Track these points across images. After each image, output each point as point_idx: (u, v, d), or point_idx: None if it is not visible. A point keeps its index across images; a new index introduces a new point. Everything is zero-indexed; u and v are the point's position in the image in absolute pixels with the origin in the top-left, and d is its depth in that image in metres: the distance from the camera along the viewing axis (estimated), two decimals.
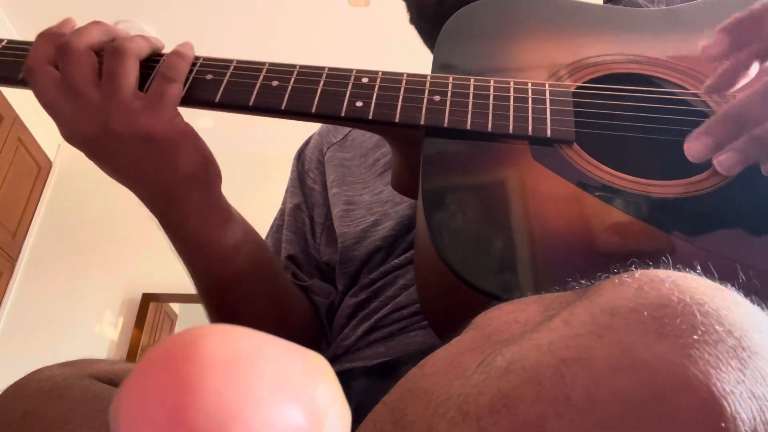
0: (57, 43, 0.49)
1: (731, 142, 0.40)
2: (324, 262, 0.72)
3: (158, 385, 0.17)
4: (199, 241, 0.56)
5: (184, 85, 0.51)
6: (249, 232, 0.61)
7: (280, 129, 3.04)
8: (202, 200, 0.54)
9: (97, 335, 2.95)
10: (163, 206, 0.54)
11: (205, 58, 0.53)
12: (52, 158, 3.25)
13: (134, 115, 0.48)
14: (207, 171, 0.54)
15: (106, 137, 0.49)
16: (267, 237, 0.78)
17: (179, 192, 0.53)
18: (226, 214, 0.57)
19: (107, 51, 0.49)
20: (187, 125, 0.51)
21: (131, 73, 0.49)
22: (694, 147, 0.42)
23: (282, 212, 0.78)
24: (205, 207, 0.55)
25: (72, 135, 0.50)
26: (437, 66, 0.53)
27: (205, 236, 0.56)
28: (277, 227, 0.78)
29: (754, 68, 0.43)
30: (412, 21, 0.72)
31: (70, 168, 3.20)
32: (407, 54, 0.73)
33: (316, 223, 0.75)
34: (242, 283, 0.60)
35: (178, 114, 0.51)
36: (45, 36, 0.51)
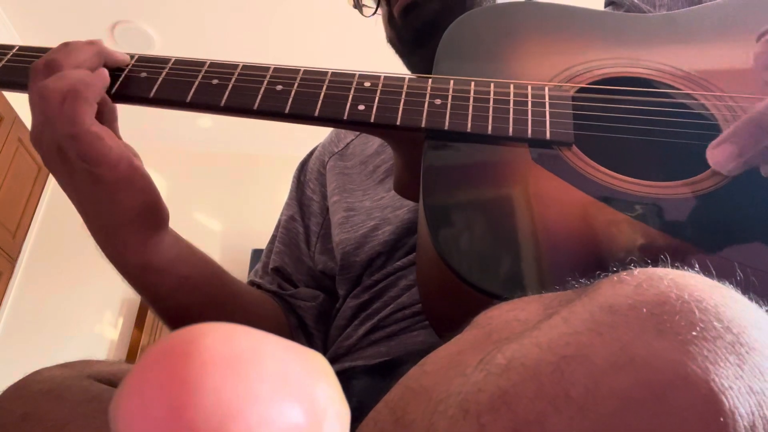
0: (48, 58, 0.49)
1: (755, 149, 0.39)
2: (319, 270, 0.73)
3: (158, 384, 0.17)
4: (139, 278, 0.57)
5: (191, 89, 0.51)
6: (196, 263, 0.61)
7: (280, 130, 3.05)
8: (142, 243, 0.54)
9: (97, 335, 2.96)
10: (103, 239, 0.54)
11: (211, 63, 0.53)
12: None
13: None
14: (151, 216, 0.53)
15: (61, 160, 0.48)
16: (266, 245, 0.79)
17: (118, 232, 0.53)
18: (167, 254, 0.56)
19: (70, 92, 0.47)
20: (133, 170, 0.50)
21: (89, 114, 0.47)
22: (717, 155, 0.40)
23: (278, 224, 0.80)
24: (144, 249, 0.54)
25: (35, 141, 0.49)
26: (438, 73, 0.53)
27: (146, 274, 0.56)
28: (271, 238, 0.79)
29: None
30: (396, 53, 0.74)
31: None
32: None
33: (312, 231, 0.76)
34: (192, 311, 0.60)
35: (127, 158, 0.49)
36: (67, 46, 0.51)
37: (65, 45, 0.51)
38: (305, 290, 0.72)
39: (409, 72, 0.74)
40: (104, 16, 2.57)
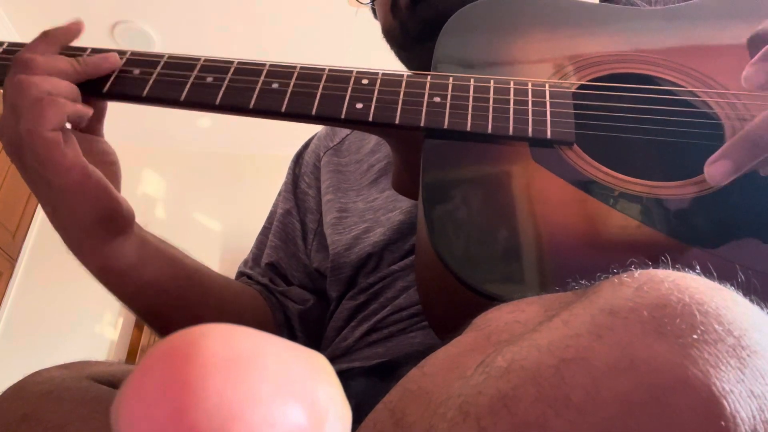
0: (27, 57, 0.49)
1: (751, 164, 0.40)
2: (314, 268, 0.72)
3: (159, 385, 0.17)
4: (100, 279, 0.56)
5: (185, 87, 0.51)
6: (163, 266, 0.60)
7: (279, 129, 3.04)
8: (98, 247, 0.53)
9: (97, 335, 2.95)
10: (62, 237, 0.54)
11: (205, 59, 0.52)
12: None
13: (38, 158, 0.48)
14: (107, 224, 0.52)
15: (18, 155, 0.49)
16: (257, 236, 0.79)
17: (73, 234, 0.53)
18: (127, 259, 0.55)
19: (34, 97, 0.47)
20: (85, 178, 0.49)
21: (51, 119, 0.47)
22: (715, 171, 0.41)
23: (272, 215, 0.79)
24: (101, 254, 0.54)
25: (0, 132, 0.50)
26: (436, 64, 0.53)
27: (105, 276, 0.56)
28: (263, 230, 0.78)
29: None
30: (392, 48, 0.72)
31: None
32: None
33: (308, 228, 0.75)
34: (158, 312, 0.60)
35: (81, 166, 0.49)
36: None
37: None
38: (297, 290, 0.71)
39: (404, 67, 0.72)
40: (104, 16, 2.56)
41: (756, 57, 0.41)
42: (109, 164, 0.55)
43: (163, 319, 0.61)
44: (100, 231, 0.52)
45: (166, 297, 0.60)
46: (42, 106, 0.46)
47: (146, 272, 0.57)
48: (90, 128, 0.55)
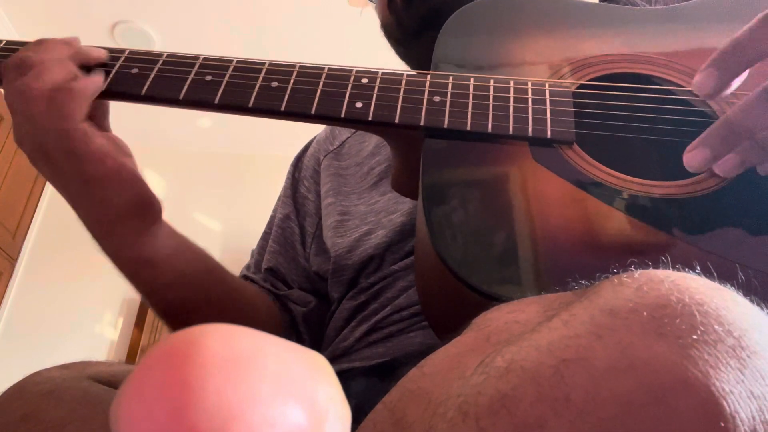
0: (22, 56, 0.49)
1: (729, 152, 0.40)
2: (313, 272, 0.72)
3: (159, 385, 0.17)
4: (134, 273, 0.56)
5: (184, 86, 0.50)
6: (192, 259, 0.60)
7: (279, 129, 3.04)
8: (135, 238, 0.54)
9: (97, 335, 2.95)
10: (97, 234, 0.54)
11: (204, 58, 0.52)
12: None
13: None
14: (142, 212, 0.53)
15: (45, 158, 0.48)
16: (258, 241, 0.79)
17: (110, 227, 0.53)
18: (162, 249, 0.56)
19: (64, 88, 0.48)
20: (120, 166, 0.50)
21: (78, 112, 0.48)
22: (692, 159, 0.41)
23: (272, 220, 0.79)
24: (137, 244, 0.54)
25: (18, 141, 0.49)
26: (436, 63, 0.53)
27: (140, 269, 0.56)
28: (264, 234, 0.79)
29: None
30: (390, 43, 0.73)
31: None
32: None
33: (307, 232, 0.75)
34: (187, 306, 0.60)
35: (113, 154, 0.49)
36: (41, 44, 0.51)
37: (39, 43, 0.50)
38: (298, 293, 0.71)
39: (402, 62, 0.72)
40: (104, 16, 2.56)
41: (705, 63, 0.41)
42: (126, 156, 0.55)
43: (188, 313, 0.61)
44: (135, 220, 0.53)
45: (194, 291, 0.60)
46: (62, 101, 0.46)
47: (178, 264, 0.58)
48: (97, 126, 0.55)
